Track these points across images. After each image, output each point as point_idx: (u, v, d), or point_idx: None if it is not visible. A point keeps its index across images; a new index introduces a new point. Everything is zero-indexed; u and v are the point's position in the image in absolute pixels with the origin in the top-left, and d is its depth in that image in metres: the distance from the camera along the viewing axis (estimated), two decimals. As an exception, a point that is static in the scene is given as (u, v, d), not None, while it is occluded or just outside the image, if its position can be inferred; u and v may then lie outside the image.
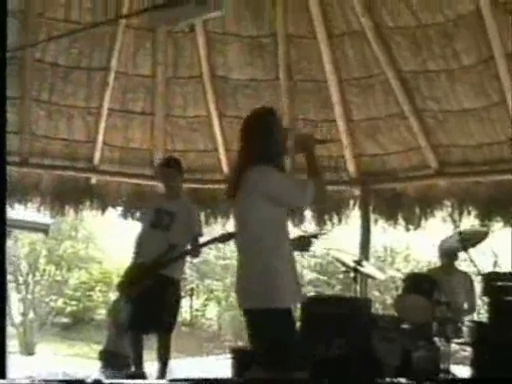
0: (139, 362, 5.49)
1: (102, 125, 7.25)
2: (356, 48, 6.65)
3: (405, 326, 5.43)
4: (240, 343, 13.24)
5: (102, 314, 16.76)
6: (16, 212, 8.06)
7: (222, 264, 17.22)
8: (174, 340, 5.57)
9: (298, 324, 3.43)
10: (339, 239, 12.76)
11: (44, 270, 17.13)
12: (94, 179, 7.55)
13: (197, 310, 18.50)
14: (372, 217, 7.33)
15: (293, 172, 3.72)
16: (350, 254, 6.13)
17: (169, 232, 5.47)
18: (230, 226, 6.60)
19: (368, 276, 6.15)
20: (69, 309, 17.69)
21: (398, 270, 15.54)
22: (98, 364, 6.67)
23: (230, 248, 13.94)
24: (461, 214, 6.97)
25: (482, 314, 7.85)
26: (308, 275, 16.06)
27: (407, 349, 5.02)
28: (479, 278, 5.64)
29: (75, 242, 18.14)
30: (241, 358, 5.18)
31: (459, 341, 5.49)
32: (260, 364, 3.31)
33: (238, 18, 6.72)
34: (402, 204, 7.23)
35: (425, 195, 7.12)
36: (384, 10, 6.29)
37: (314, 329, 5.02)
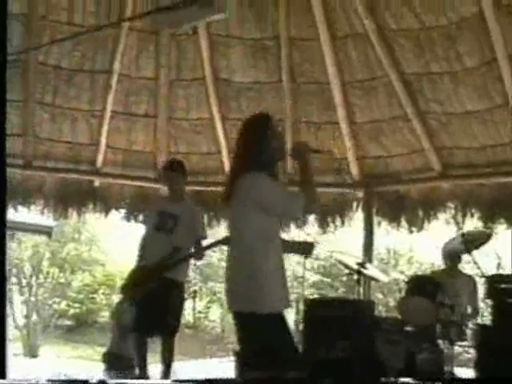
0: (143, 365, 5.49)
1: (105, 127, 7.26)
2: (359, 50, 6.65)
3: (408, 328, 5.42)
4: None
5: (105, 316, 16.76)
6: (19, 214, 8.06)
7: (225, 266, 17.19)
8: (177, 342, 5.58)
9: (285, 329, 3.38)
10: (342, 241, 12.77)
11: (47, 273, 17.13)
12: (97, 182, 7.56)
13: (200, 313, 18.49)
14: (375, 219, 7.33)
15: (289, 177, 3.71)
16: (354, 257, 6.13)
17: (172, 235, 5.48)
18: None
19: (371, 278, 6.14)
20: (72, 311, 17.68)
21: (402, 272, 15.52)
22: (102, 366, 6.68)
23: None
24: (464, 216, 6.96)
25: (485, 316, 7.83)
26: (311, 277, 16.04)
27: (411, 351, 5.01)
28: (483, 280, 5.63)
29: (78, 245, 18.14)
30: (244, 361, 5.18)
31: (463, 343, 5.49)
32: (248, 366, 3.37)
33: (241, 21, 6.73)
34: (405, 206, 7.22)
35: (428, 197, 7.11)
36: (387, 12, 6.29)
37: (318, 331, 5.02)
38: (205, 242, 5.59)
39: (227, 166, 7.38)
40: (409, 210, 7.21)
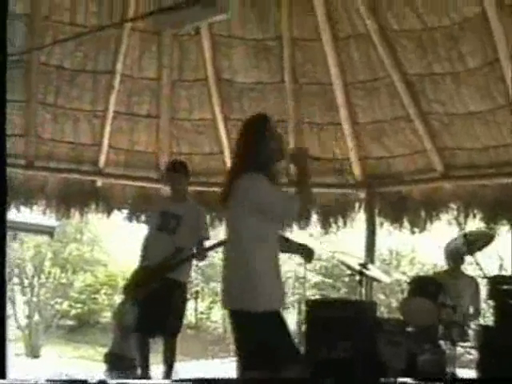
0: (145, 365, 5.49)
1: (108, 128, 7.26)
2: (361, 51, 6.65)
3: (410, 329, 5.42)
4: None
5: (107, 316, 16.77)
6: (21, 214, 8.07)
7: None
8: (178, 343, 5.58)
9: (280, 327, 3.43)
10: (344, 242, 12.76)
11: (49, 273, 17.14)
12: (99, 182, 7.56)
13: (202, 313, 18.49)
14: (377, 220, 7.32)
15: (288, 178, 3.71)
16: (356, 257, 6.13)
17: (175, 235, 5.48)
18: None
19: (373, 279, 6.14)
20: (74, 311, 17.70)
21: (404, 273, 15.52)
22: (103, 366, 6.68)
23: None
24: (466, 217, 6.95)
25: (487, 317, 7.83)
26: (313, 278, 16.04)
27: (413, 352, 5.01)
28: (485, 281, 5.62)
29: (80, 245, 18.16)
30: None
31: (465, 344, 5.48)
32: (244, 365, 3.41)
33: (243, 21, 6.73)
34: (407, 207, 7.22)
35: (430, 198, 7.10)
36: (389, 12, 6.28)
37: (320, 332, 5.02)
38: (207, 243, 5.59)
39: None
40: (411, 210, 7.20)
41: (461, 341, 5.40)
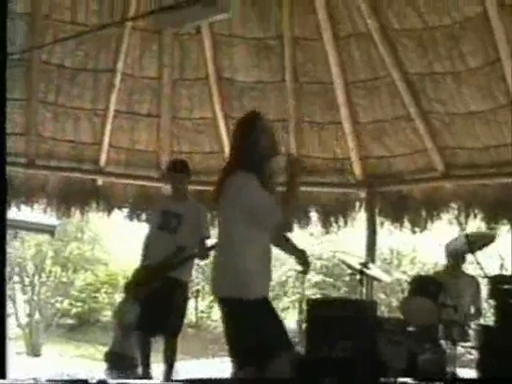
0: (146, 364, 5.49)
1: (108, 127, 7.26)
2: (362, 50, 6.64)
3: (411, 328, 5.41)
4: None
5: (107, 315, 16.77)
6: (22, 213, 8.07)
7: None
8: (179, 342, 5.58)
9: (268, 313, 3.53)
10: (345, 241, 12.76)
11: (50, 272, 17.14)
12: (100, 181, 7.56)
13: (202, 312, 18.50)
14: (378, 219, 7.32)
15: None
16: (356, 257, 6.12)
17: (176, 234, 5.48)
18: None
19: (374, 278, 6.13)
20: (74, 310, 17.70)
21: (404, 272, 15.51)
22: (104, 365, 6.67)
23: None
24: (467, 216, 6.95)
25: (488, 317, 7.82)
26: (314, 277, 16.03)
27: (413, 351, 5.00)
28: (485, 280, 5.62)
29: (81, 244, 18.16)
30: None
31: (465, 344, 5.47)
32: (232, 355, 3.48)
33: (244, 20, 6.72)
34: (408, 206, 7.22)
35: (431, 198, 7.10)
36: (390, 11, 6.28)
37: (320, 331, 5.01)
38: (209, 242, 5.59)
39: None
40: (412, 210, 7.20)
41: (461, 340, 5.40)
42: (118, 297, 13.98)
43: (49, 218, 9.03)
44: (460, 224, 6.98)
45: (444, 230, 7.46)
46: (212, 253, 4.96)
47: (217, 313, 18.60)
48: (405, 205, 7.22)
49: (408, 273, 15.08)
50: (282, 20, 6.68)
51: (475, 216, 6.93)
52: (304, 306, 5.69)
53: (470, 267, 6.82)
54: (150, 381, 5.41)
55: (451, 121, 6.66)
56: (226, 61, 7.04)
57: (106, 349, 6.92)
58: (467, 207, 6.94)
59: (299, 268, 3.92)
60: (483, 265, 5.61)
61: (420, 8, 6.12)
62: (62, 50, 6.86)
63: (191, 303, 17.14)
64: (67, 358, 14.96)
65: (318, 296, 14.89)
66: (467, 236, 5.84)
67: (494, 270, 11.22)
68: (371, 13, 6.30)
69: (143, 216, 7.64)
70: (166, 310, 5.36)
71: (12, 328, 14.72)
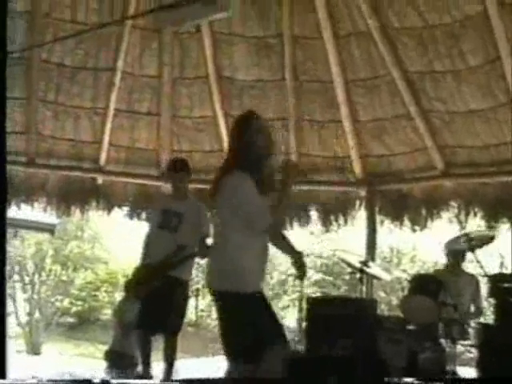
0: (147, 363, 5.49)
1: (108, 125, 7.26)
2: (362, 49, 6.64)
3: (411, 327, 5.42)
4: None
5: (107, 314, 16.78)
6: (22, 212, 8.07)
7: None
8: (179, 340, 5.58)
9: (261, 307, 3.56)
10: (345, 240, 12.76)
11: (50, 270, 17.15)
12: (100, 179, 7.56)
13: (202, 311, 18.50)
14: (378, 218, 7.33)
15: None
16: (356, 255, 6.12)
17: (177, 233, 5.48)
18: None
19: (374, 277, 6.13)
20: (74, 309, 17.71)
21: (404, 270, 15.52)
22: (104, 364, 6.67)
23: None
24: (467, 215, 6.95)
25: (488, 315, 7.82)
26: (314, 276, 16.04)
27: (413, 350, 5.01)
28: (485, 279, 5.62)
29: (81, 242, 18.16)
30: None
31: (465, 342, 5.48)
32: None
33: (244, 19, 6.72)
34: (408, 205, 7.22)
35: (431, 196, 7.10)
36: (391, 10, 6.28)
37: (320, 329, 5.02)
38: (209, 240, 5.58)
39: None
40: (412, 208, 7.20)
41: (461, 339, 5.40)
42: (118, 295, 14.00)
43: (49, 217, 9.03)
44: (460, 222, 6.98)
45: (444, 229, 7.46)
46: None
47: (217, 311, 18.63)
48: (405, 203, 7.22)
49: (408, 271, 15.09)
50: (282, 18, 6.68)
51: (475, 214, 6.93)
52: (304, 305, 5.69)
53: (470, 266, 6.83)
54: (152, 381, 5.41)
55: (451, 119, 6.66)
56: (226, 59, 7.03)
57: (106, 347, 6.92)
58: (467, 206, 6.95)
59: (295, 272, 3.89)
60: (483, 263, 5.62)
61: (420, 7, 6.12)
62: (61, 48, 6.86)
63: (191, 302, 17.16)
64: (67, 356, 14.96)
65: (318, 294, 14.88)
66: (466, 235, 5.84)
67: (494, 269, 11.23)
68: (371, 11, 6.30)
69: (143, 214, 7.64)
70: (166, 308, 5.36)
71: (12, 327, 14.72)
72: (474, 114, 6.48)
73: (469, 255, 6.06)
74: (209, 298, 18.70)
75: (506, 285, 5.10)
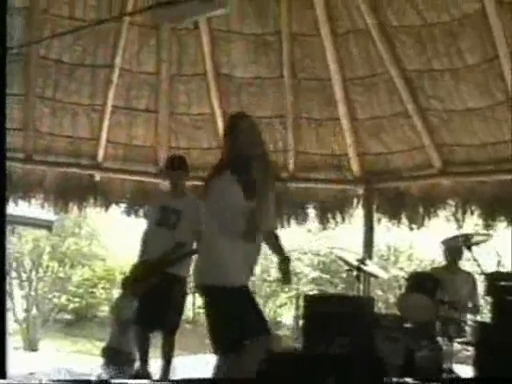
0: (144, 360, 5.49)
1: (106, 122, 7.25)
2: (360, 46, 6.64)
3: (408, 325, 5.42)
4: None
5: (104, 310, 16.77)
6: (20, 208, 8.07)
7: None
8: (176, 337, 5.58)
9: (244, 302, 3.58)
10: (342, 238, 12.77)
11: (47, 267, 17.13)
12: (97, 176, 7.55)
13: (199, 308, 18.47)
14: (375, 216, 7.33)
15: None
16: (354, 253, 6.13)
17: (175, 230, 5.47)
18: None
19: (371, 275, 6.15)
20: (72, 305, 17.69)
21: (402, 269, 15.51)
22: (101, 361, 6.67)
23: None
24: (464, 213, 6.95)
25: (485, 313, 7.83)
26: (311, 274, 16.05)
27: (410, 348, 5.02)
28: (482, 277, 5.63)
29: (79, 239, 18.14)
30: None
31: (462, 340, 5.49)
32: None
33: (242, 16, 6.72)
34: (405, 203, 7.22)
35: (428, 194, 7.11)
36: (389, 8, 6.27)
37: (317, 327, 5.02)
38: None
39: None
40: (409, 206, 7.21)
41: (458, 337, 5.42)
42: (116, 292, 13.98)
43: (46, 213, 9.02)
44: (457, 221, 6.98)
45: (441, 227, 7.47)
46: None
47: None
48: (402, 201, 7.23)
49: (405, 269, 15.08)
50: (280, 16, 6.67)
51: (472, 213, 6.94)
52: (301, 303, 5.70)
53: (467, 264, 6.84)
54: (147, 380, 5.40)
55: (449, 118, 6.66)
56: (224, 56, 7.03)
57: (103, 344, 6.92)
58: (465, 204, 6.95)
59: (280, 276, 3.84)
60: (480, 261, 5.63)
61: (418, 5, 6.12)
62: (59, 45, 6.85)
63: (188, 299, 17.15)
64: (64, 353, 14.95)
65: (315, 292, 14.89)
66: (464, 236, 5.85)
67: (491, 267, 11.25)
68: (370, 9, 6.29)
69: (141, 211, 7.64)
70: (164, 305, 5.36)
71: (9, 323, 14.71)
72: (472, 112, 6.49)
73: (466, 253, 6.06)
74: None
75: (502, 283, 5.12)
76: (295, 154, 7.29)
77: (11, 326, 15.15)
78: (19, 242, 16.32)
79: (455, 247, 6.15)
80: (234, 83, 7.13)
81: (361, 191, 7.35)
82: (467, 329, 5.48)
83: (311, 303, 5.33)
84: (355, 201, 7.42)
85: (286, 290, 16.50)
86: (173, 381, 5.40)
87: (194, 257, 5.55)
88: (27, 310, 16.36)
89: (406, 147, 7.05)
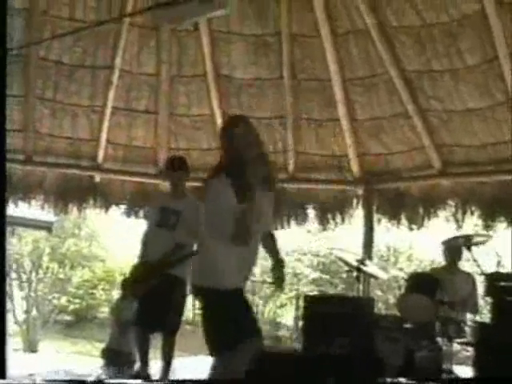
0: (145, 361, 5.49)
1: (106, 123, 7.26)
2: (360, 47, 6.64)
3: (407, 325, 5.42)
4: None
5: (104, 312, 16.76)
6: (20, 210, 8.07)
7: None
8: (176, 338, 5.57)
9: (239, 305, 3.59)
10: (342, 238, 12.77)
11: (47, 268, 17.13)
12: (97, 177, 7.56)
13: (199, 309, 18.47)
14: (375, 216, 7.33)
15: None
16: (353, 254, 6.14)
17: (175, 231, 5.47)
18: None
19: (371, 275, 6.15)
20: (72, 307, 17.69)
21: (401, 269, 15.52)
22: (101, 362, 6.67)
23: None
24: (464, 213, 6.96)
25: (484, 314, 7.84)
26: (311, 274, 16.05)
27: (410, 348, 5.02)
28: (482, 278, 5.63)
29: (78, 240, 18.14)
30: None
31: (462, 341, 5.49)
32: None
33: (242, 17, 6.72)
34: (405, 204, 7.22)
35: (428, 195, 7.11)
36: (388, 9, 6.28)
37: (317, 328, 5.02)
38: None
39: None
40: (409, 207, 7.21)
41: (458, 337, 5.42)
42: (116, 293, 13.98)
43: (46, 215, 9.03)
44: (457, 221, 6.98)
45: (441, 228, 7.47)
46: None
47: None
48: (402, 202, 7.23)
49: (405, 270, 15.09)
50: (280, 17, 6.67)
51: (472, 213, 6.93)
52: (301, 303, 5.70)
53: (466, 264, 6.84)
54: (151, 382, 5.40)
55: (449, 118, 6.66)
56: (224, 57, 7.03)
57: (103, 346, 6.92)
58: (464, 205, 6.95)
59: (272, 279, 3.80)
60: (480, 262, 5.63)
61: (418, 5, 6.12)
62: (59, 46, 6.85)
63: (188, 300, 17.14)
64: (64, 354, 14.96)
65: (315, 293, 14.89)
66: (464, 237, 5.86)
67: (490, 268, 11.25)
68: (369, 10, 6.29)
69: (141, 212, 7.65)
70: (164, 307, 5.35)
71: (9, 324, 14.71)
72: (472, 112, 6.49)
73: (465, 254, 6.07)
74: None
75: (502, 283, 5.12)
76: (295, 154, 7.29)
77: (11, 327, 15.15)
78: (19, 243, 16.33)
79: (455, 248, 6.16)
80: (234, 84, 7.14)
81: (361, 192, 7.35)
82: (467, 329, 5.48)
83: (311, 304, 5.34)
84: (355, 201, 7.42)
85: (286, 290, 16.50)
86: (173, 381, 5.40)
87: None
88: (27, 311, 16.36)
89: (406, 148, 7.05)
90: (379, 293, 14.47)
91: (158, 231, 5.55)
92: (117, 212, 7.92)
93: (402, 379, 4.76)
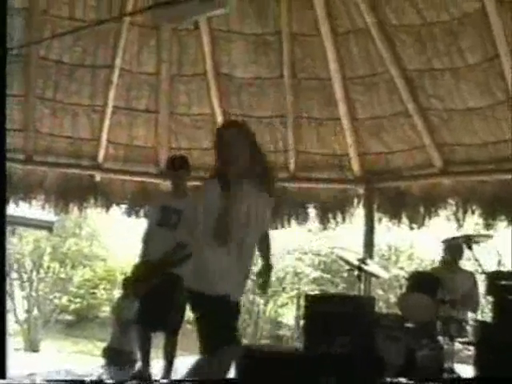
0: (146, 361, 5.48)
1: (107, 122, 7.26)
2: (360, 46, 6.63)
3: (408, 324, 5.42)
4: (244, 341, 13.23)
5: (105, 311, 16.79)
6: (20, 209, 8.07)
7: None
8: (179, 338, 5.57)
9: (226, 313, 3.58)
10: (343, 238, 12.76)
11: (48, 268, 17.15)
12: (98, 177, 7.56)
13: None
14: (376, 215, 7.33)
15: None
16: (354, 253, 6.13)
17: (176, 231, 5.46)
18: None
19: (372, 274, 6.14)
20: (73, 306, 17.72)
21: (402, 268, 15.53)
22: (102, 361, 6.68)
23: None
24: (465, 212, 6.95)
25: (485, 312, 7.84)
26: (312, 273, 16.05)
27: (411, 347, 5.01)
28: (483, 276, 5.63)
29: (79, 240, 18.16)
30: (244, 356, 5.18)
31: (463, 340, 5.49)
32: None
33: (242, 16, 6.71)
34: (406, 203, 7.22)
35: (429, 194, 7.10)
36: (388, 7, 6.27)
37: (318, 327, 5.02)
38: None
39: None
40: (410, 206, 7.21)
41: (459, 336, 5.42)
42: (117, 293, 13.99)
43: (47, 214, 9.03)
44: (458, 220, 6.98)
45: (442, 227, 7.47)
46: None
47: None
48: (403, 201, 7.23)
49: (406, 269, 15.10)
50: (281, 16, 6.67)
51: (473, 212, 6.93)
52: (302, 302, 5.70)
53: (467, 263, 6.84)
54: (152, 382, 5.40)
55: (449, 117, 6.65)
56: (225, 56, 7.03)
57: (104, 345, 6.93)
58: (465, 203, 6.95)
59: (257, 281, 3.85)
60: (481, 261, 5.62)
61: (418, 4, 6.11)
62: (59, 45, 6.85)
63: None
64: (65, 353, 14.97)
65: (317, 292, 14.89)
66: (466, 236, 5.85)
67: (491, 267, 11.25)
68: (369, 9, 6.29)
69: (141, 212, 7.65)
70: (166, 306, 5.35)
71: (10, 324, 14.72)
72: (473, 111, 6.48)
73: (466, 253, 6.06)
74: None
75: (503, 282, 5.11)
76: (296, 153, 7.29)
77: (12, 326, 15.16)
78: (20, 243, 16.34)
79: (456, 246, 6.15)
80: (235, 83, 7.13)
81: (361, 191, 7.35)
82: (468, 328, 5.47)
83: (312, 303, 5.33)
84: (356, 200, 7.42)
85: (287, 289, 16.51)
86: (175, 381, 5.40)
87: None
88: (28, 311, 16.38)
89: (407, 147, 7.04)
90: (380, 292, 14.48)
91: (159, 230, 5.55)
92: (118, 211, 7.92)
93: (403, 378, 4.76)
